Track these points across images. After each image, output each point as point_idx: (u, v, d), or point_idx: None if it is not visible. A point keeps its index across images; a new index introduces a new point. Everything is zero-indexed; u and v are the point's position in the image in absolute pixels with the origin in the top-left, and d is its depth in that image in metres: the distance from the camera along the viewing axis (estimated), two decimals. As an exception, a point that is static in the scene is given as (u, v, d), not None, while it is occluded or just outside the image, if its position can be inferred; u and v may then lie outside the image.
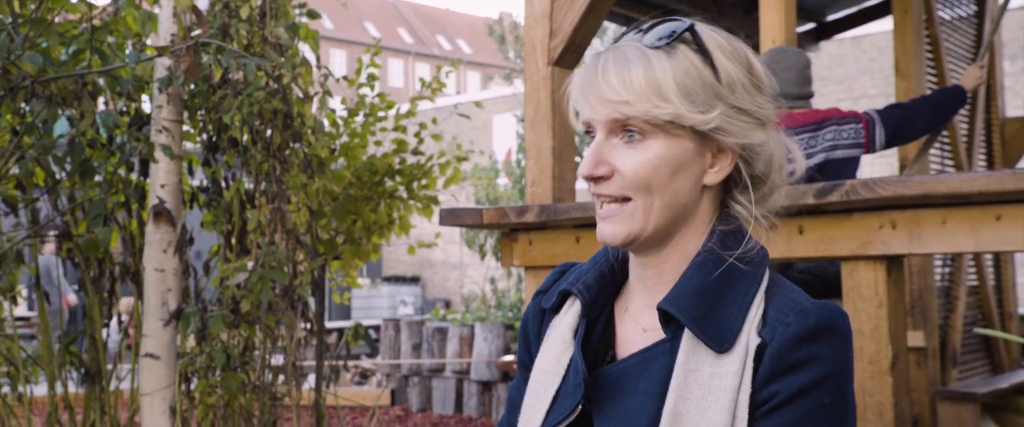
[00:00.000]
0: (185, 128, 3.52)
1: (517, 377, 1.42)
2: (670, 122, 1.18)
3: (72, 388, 3.58)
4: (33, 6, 3.18)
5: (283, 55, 3.45)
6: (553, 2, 3.14)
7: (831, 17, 6.29)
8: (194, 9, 3.25)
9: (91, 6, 3.36)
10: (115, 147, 3.46)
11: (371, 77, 4.26)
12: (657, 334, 1.26)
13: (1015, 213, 2.22)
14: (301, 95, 3.57)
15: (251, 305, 3.36)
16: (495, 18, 25.43)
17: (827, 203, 2.36)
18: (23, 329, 9.34)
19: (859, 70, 17.21)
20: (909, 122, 3.61)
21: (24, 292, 4.03)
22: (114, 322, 3.75)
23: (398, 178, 4.17)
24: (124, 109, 3.51)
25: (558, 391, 1.29)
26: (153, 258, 3.24)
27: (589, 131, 1.24)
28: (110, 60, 3.27)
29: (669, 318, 1.21)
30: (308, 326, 3.72)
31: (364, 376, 9.51)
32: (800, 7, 5.53)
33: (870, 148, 3.60)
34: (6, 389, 3.43)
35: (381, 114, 4.25)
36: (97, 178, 3.40)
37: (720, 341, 1.17)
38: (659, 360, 1.22)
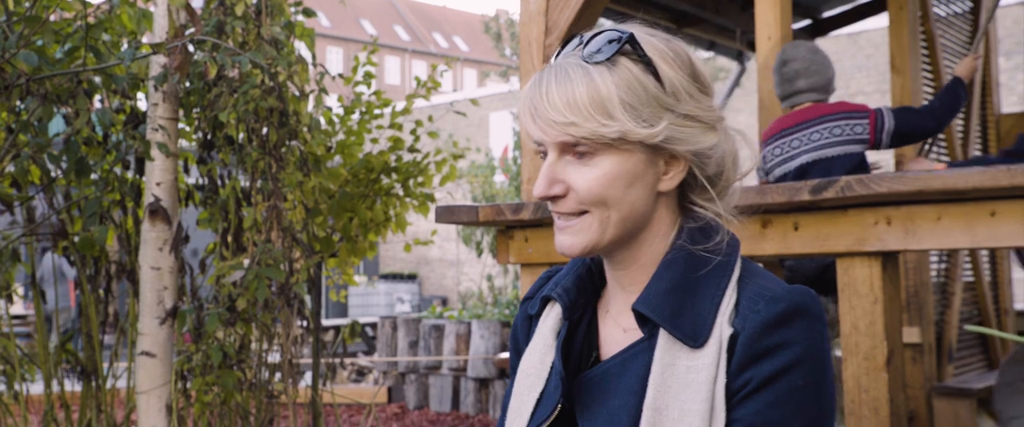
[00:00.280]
0: (181, 126, 3.51)
1: (509, 383, 1.45)
2: (618, 139, 1.19)
3: (68, 386, 3.58)
4: (28, 4, 3.17)
5: (279, 52, 3.44)
6: (548, 0, 3.14)
7: (827, 14, 6.30)
8: (187, 7, 3.24)
9: (86, 4, 3.36)
10: (111, 145, 3.45)
11: (367, 75, 4.25)
12: (637, 334, 1.28)
13: (1010, 209, 2.23)
14: (297, 93, 3.57)
15: (247, 303, 3.36)
16: (491, 15, 25.40)
17: (822, 200, 2.36)
18: (19, 327, 9.34)
19: (855, 67, 17.22)
20: (922, 127, 3.59)
21: (20, 290, 4.02)
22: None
23: (394, 176, 4.17)
24: (120, 107, 3.50)
25: (541, 393, 1.31)
26: (149, 256, 3.24)
27: (541, 150, 1.26)
28: (105, 58, 3.27)
29: (645, 318, 1.23)
30: (304, 324, 3.71)
31: (361, 373, 9.52)
32: (796, 4, 5.54)
33: (876, 143, 3.59)
34: (2, 387, 3.43)
35: (377, 112, 4.25)
36: (93, 176, 3.40)
37: (694, 336, 1.20)
38: (638, 359, 1.24)
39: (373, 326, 11.70)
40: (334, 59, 50.30)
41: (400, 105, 4.36)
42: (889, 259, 2.44)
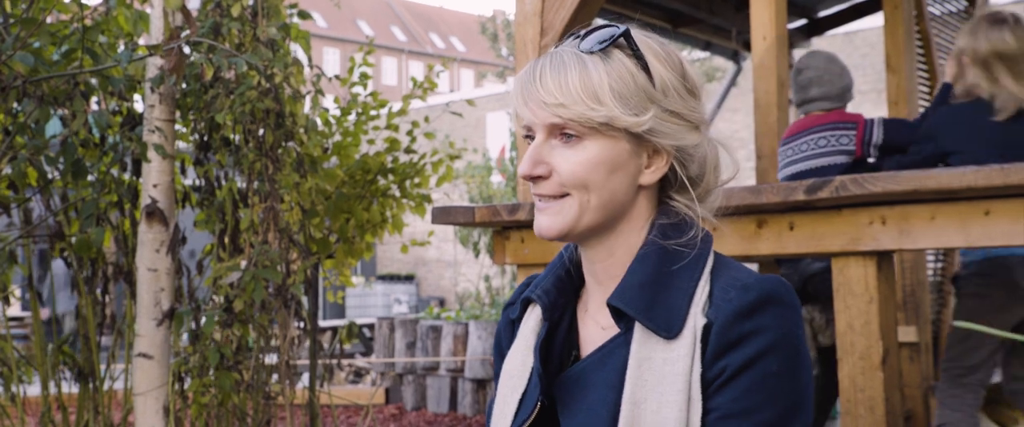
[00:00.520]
0: (178, 127, 3.52)
1: (493, 387, 1.46)
2: (605, 124, 1.22)
3: (66, 388, 3.58)
4: (24, 6, 3.18)
5: (275, 54, 3.45)
6: (544, 0, 3.15)
7: (822, 13, 6.31)
8: (183, 9, 3.25)
9: (83, 6, 3.36)
10: (108, 147, 3.46)
11: (364, 76, 4.26)
12: (615, 330, 1.30)
13: (1003, 208, 2.24)
14: (293, 94, 3.58)
15: (244, 304, 3.36)
16: (488, 16, 25.42)
17: (817, 199, 2.37)
18: (16, 329, 9.33)
19: (851, 66, 17.22)
20: (913, 139, 3.56)
21: (17, 292, 4.03)
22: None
23: (391, 176, 4.17)
24: (116, 109, 3.51)
25: (523, 393, 1.33)
26: (146, 258, 3.25)
27: (529, 135, 1.29)
28: (102, 60, 3.27)
29: (620, 313, 1.26)
30: (301, 325, 3.72)
31: (358, 375, 9.52)
32: (791, 3, 5.54)
33: (863, 152, 3.59)
34: (-1, 389, 3.44)
35: (374, 113, 4.25)
36: (90, 178, 3.40)
37: (668, 328, 1.22)
38: (616, 354, 1.26)
39: (370, 327, 11.70)
40: (331, 60, 50.28)
41: (397, 106, 4.36)
42: (884, 258, 2.45)
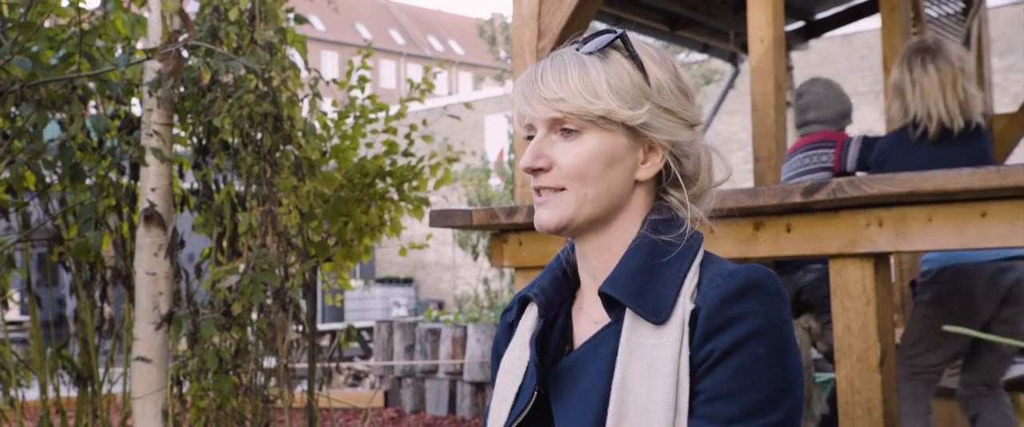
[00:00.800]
0: (175, 131, 3.52)
1: (490, 390, 1.50)
2: (603, 117, 1.29)
3: (64, 392, 3.58)
4: (22, 10, 3.18)
5: (272, 57, 3.45)
6: (541, 3, 3.15)
7: (820, 15, 6.32)
8: (180, 13, 3.25)
9: (80, 10, 3.36)
10: (105, 151, 3.46)
11: (362, 79, 4.26)
12: (607, 322, 1.34)
13: (1000, 210, 2.24)
14: (290, 98, 3.58)
15: (243, 308, 3.36)
16: (486, 19, 25.44)
17: (814, 201, 2.37)
18: (14, 333, 9.33)
19: (849, 68, 17.25)
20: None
21: (16, 296, 4.03)
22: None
23: (389, 180, 4.17)
24: (114, 113, 3.51)
25: (520, 387, 1.37)
26: (144, 262, 3.25)
27: (530, 135, 1.35)
28: (100, 64, 3.27)
29: (611, 302, 1.30)
30: (300, 328, 3.72)
31: (357, 378, 9.51)
32: (789, 5, 5.55)
33: (841, 168, 3.68)
34: (-2, 394, 3.43)
35: (372, 116, 4.25)
36: (88, 182, 3.40)
37: (657, 313, 1.25)
38: (607, 343, 1.30)
39: (369, 330, 11.70)
40: (329, 63, 50.27)
41: (395, 109, 4.36)
42: (881, 260, 2.46)
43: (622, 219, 1.34)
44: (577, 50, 1.34)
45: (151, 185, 3.26)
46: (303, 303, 3.76)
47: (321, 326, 11.36)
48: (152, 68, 3.27)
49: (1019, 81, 14.84)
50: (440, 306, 21.50)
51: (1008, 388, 3.83)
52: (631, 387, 1.23)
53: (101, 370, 3.57)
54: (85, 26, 3.34)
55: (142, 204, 3.27)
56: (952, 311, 3.31)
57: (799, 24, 6.31)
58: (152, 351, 3.24)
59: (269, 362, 3.68)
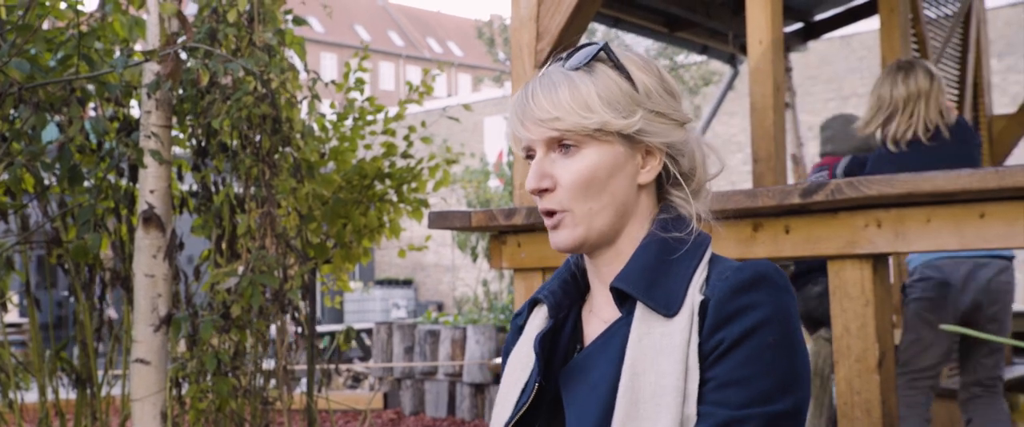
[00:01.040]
0: (174, 133, 3.52)
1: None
2: (598, 130, 1.32)
3: (63, 394, 3.58)
4: (21, 12, 3.18)
5: (271, 59, 3.45)
6: (540, 5, 3.15)
7: (818, 17, 6.32)
8: (179, 14, 3.25)
9: (78, 12, 3.36)
10: (104, 153, 3.45)
11: (359, 81, 4.26)
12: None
13: (998, 211, 2.24)
14: (289, 99, 3.58)
15: (242, 310, 3.36)
16: (485, 20, 25.41)
17: (813, 202, 2.37)
18: (13, 335, 9.32)
19: (848, 69, 17.26)
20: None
21: (15, 299, 4.03)
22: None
23: (388, 181, 4.17)
24: (113, 115, 3.51)
25: (526, 383, 1.40)
26: (143, 264, 3.25)
27: (529, 155, 1.38)
28: (98, 66, 3.27)
29: (622, 297, 1.34)
30: (299, 330, 3.72)
31: (357, 380, 9.51)
32: (787, 7, 5.55)
33: None
34: (-3, 396, 3.43)
35: (370, 118, 4.25)
36: (86, 184, 3.40)
37: (667, 306, 1.29)
38: (617, 335, 1.33)
39: (369, 332, 11.69)
40: (328, 65, 50.25)
41: (393, 111, 4.36)
42: (880, 261, 2.46)
43: (632, 224, 1.38)
44: (562, 67, 1.37)
45: (150, 187, 3.26)
46: (302, 305, 3.76)
47: (320, 328, 11.35)
48: (150, 70, 3.26)
49: (1018, 82, 14.85)
50: (439, 308, 21.50)
51: (1008, 388, 3.84)
52: (641, 374, 1.26)
53: (100, 372, 3.57)
54: (83, 28, 3.34)
55: (141, 206, 3.27)
56: (936, 304, 3.42)
57: (798, 25, 6.31)
58: (151, 353, 3.23)
59: (268, 364, 3.67)
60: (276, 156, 3.50)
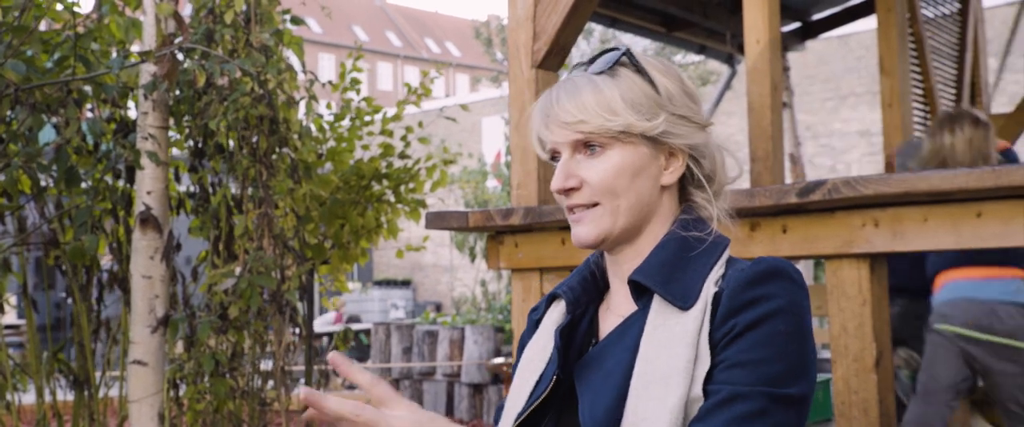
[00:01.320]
0: (171, 134, 3.52)
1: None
2: (623, 132, 1.35)
3: (61, 396, 3.58)
4: (16, 13, 3.17)
5: (268, 60, 3.45)
6: (536, 5, 3.14)
7: (816, 16, 6.32)
8: (175, 15, 3.25)
9: (75, 13, 3.36)
10: (101, 154, 3.45)
11: (354, 81, 4.26)
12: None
13: (995, 210, 2.24)
14: (286, 100, 3.57)
15: (239, 310, 3.36)
16: (482, 21, 25.42)
17: (810, 202, 2.37)
18: (11, 337, 9.31)
19: (846, 69, 17.26)
20: None
21: (12, 300, 4.02)
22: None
23: (385, 182, 4.17)
24: (110, 116, 3.50)
25: (542, 374, 1.42)
26: (140, 265, 3.24)
27: (554, 157, 1.41)
28: (95, 67, 3.27)
29: (639, 291, 1.37)
30: (297, 331, 3.71)
31: (355, 380, 9.50)
32: (785, 6, 5.56)
33: None
34: (-6, 397, 3.43)
35: (368, 118, 4.25)
36: (83, 185, 3.40)
37: (684, 299, 1.32)
38: (633, 327, 1.36)
39: (367, 332, 11.69)
40: (326, 66, 50.21)
41: (391, 111, 4.36)
42: (877, 261, 2.46)
43: (654, 224, 1.41)
44: (586, 71, 1.40)
45: (147, 188, 3.26)
46: (300, 305, 3.76)
47: (319, 328, 11.34)
48: (147, 71, 3.26)
49: (1017, 81, 14.86)
50: (438, 308, 21.49)
51: (975, 404, 3.81)
52: (654, 360, 1.28)
53: (98, 374, 3.57)
54: (80, 29, 3.34)
55: (138, 207, 3.26)
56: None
57: (795, 25, 6.31)
58: (148, 354, 3.23)
59: (266, 364, 3.67)
60: (273, 157, 3.50)
